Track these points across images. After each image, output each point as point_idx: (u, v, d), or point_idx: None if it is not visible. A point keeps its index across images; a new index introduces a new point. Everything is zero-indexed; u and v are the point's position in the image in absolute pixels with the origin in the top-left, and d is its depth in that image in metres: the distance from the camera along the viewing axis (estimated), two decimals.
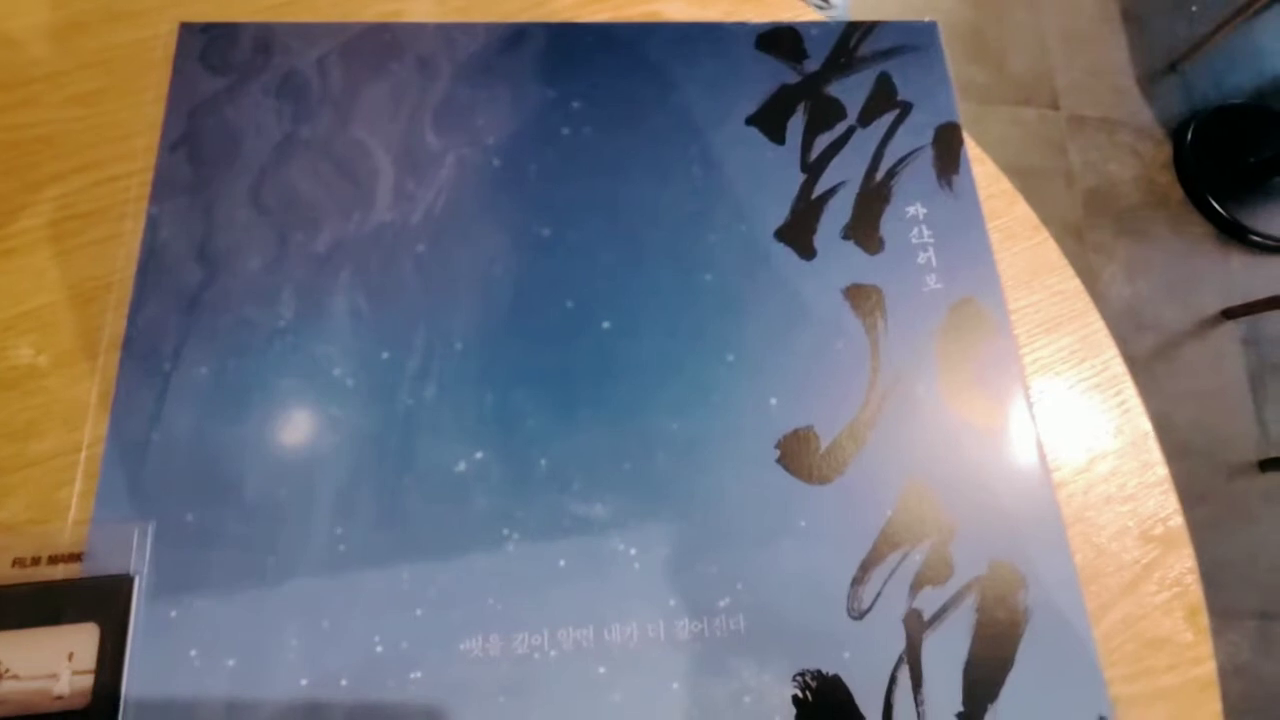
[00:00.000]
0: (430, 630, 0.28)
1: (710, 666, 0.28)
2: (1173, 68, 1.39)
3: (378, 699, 0.27)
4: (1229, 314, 1.23)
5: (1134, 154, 1.39)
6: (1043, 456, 0.32)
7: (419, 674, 0.27)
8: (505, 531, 0.29)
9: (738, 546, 0.30)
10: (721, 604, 0.29)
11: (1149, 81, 1.43)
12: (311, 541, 0.28)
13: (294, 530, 0.28)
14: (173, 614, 0.27)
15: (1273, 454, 1.17)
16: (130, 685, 0.26)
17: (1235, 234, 1.28)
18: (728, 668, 0.28)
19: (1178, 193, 1.35)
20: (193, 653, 0.27)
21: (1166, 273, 1.33)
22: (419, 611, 0.28)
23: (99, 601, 0.27)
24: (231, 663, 0.27)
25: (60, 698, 0.25)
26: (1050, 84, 1.43)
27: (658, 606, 0.29)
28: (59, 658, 0.26)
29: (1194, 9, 1.46)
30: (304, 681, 0.27)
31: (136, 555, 0.27)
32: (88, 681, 0.26)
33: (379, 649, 0.27)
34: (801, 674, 0.28)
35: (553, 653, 0.28)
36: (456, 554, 0.29)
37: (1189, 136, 1.30)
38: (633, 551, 0.29)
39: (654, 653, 0.28)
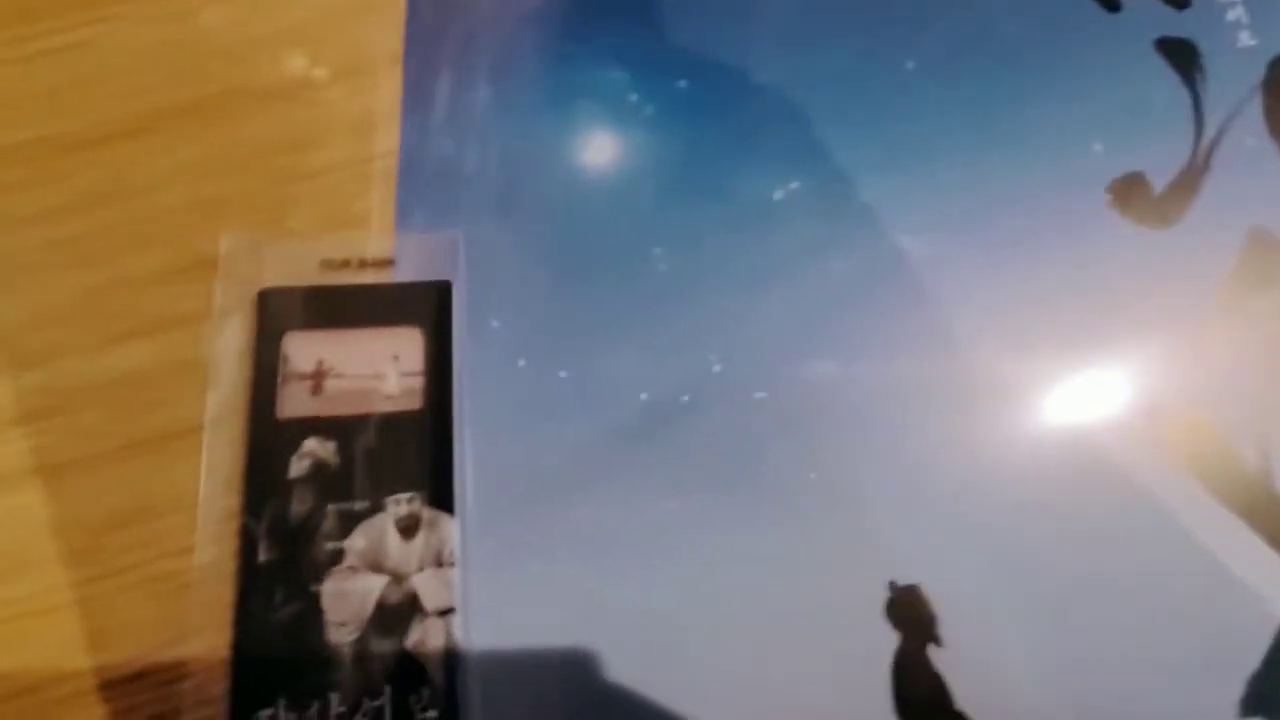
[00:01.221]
0: (768, 353, 0.25)
1: (1057, 416, 0.26)
2: None
3: (722, 415, 0.24)
4: None
5: None
6: None
7: (763, 394, 0.25)
8: (828, 261, 0.27)
9: (1072, 288, 0.27)
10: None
11: None
12: (630, 260, 0.26)
13: (609, 248, 0.26)
14: (494, 324, 0.25)
15: None
16: (460, 390, 0.24)
17: None
18: (1073, 402, 0.26)
19: None
20: (521, 362, 0.24)
21: None
22: (752, 334, 0.26)
23: (417, 306, 0.24)
24: (563, 374, 0.24)
25: (391, 397, 0.23)
26: None
27: (1000, 342, 0.26)
28: (383, 359, 0.23)
29: None
30: (643, 396, 0.24)
31: (448, 264, 0.25)
32: (417, 383, 0.23)
33: (716, 368, 0.25)
34: None
35: (895, 381, 0.25)
36: (778, 281, 0.26)
37: None
38: (963, 287, 0.27)
39: (1007, 387, 0.26)
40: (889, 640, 0.23)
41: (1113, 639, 0.23)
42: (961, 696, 0.22)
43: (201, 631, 0.20)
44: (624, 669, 0.22)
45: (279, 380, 0.23)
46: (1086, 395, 0.26)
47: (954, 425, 0.25)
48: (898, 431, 0.25)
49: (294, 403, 0.23)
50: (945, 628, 0.23)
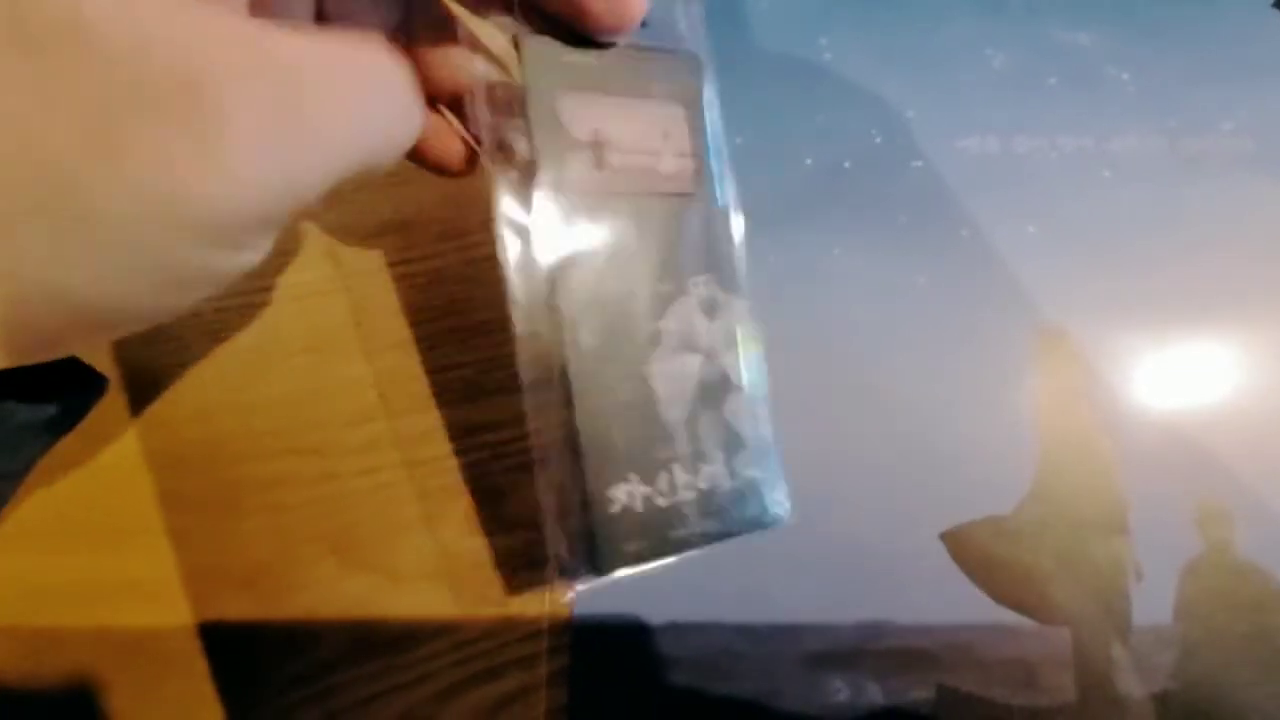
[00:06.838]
0: (926, 129, 0.28)
1: (1219, 182, 0.27)
2: None
3: (880, 180, 0.27)
4: None
5: None
6: None
7: (919, 163, 0.27)
8: (989, 52, 0.29)
9: (1239, 75, 0.28)
10: (1226, 127, 0.27)
11: None
12: (798, 47, 0.29)
13: (780, 37, 0.29)
14: None
15: None
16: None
17: None
18: (1237, 185, 0.27)
19: None
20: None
21: None
22: (911, 113, 0.28)
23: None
24: (739, 140, 0.27)
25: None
26: None
27: (1157, 124, 0.28)
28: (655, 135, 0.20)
29: None
30: (809, 161, 0.27)
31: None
32: (688, 165, 0.21)
33: (877, 140, 0.28)
34: None
35: (1053, 155, 0.27)
36: (941, 69, 0.28)
37: None
38: (1125, 76, 0.28)
39: (1158, 164, 0.27)
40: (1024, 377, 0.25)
41: None
42: None
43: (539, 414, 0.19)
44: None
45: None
46: (1240, 171, 0.27)
47: (1116, 194, 0.27)
48: (1044, 199, 0.27)
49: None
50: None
